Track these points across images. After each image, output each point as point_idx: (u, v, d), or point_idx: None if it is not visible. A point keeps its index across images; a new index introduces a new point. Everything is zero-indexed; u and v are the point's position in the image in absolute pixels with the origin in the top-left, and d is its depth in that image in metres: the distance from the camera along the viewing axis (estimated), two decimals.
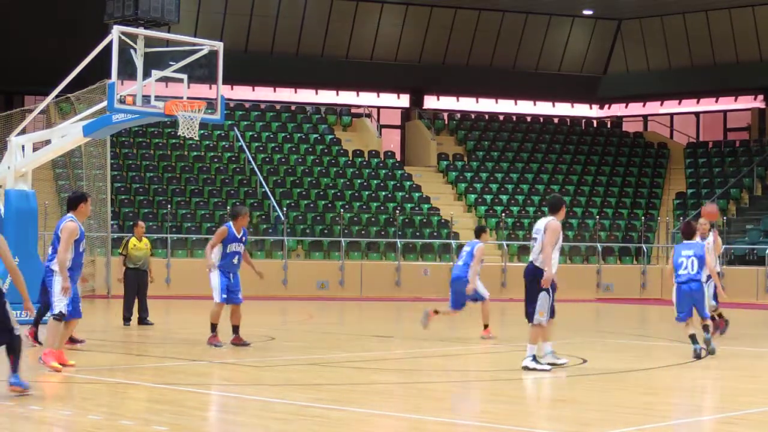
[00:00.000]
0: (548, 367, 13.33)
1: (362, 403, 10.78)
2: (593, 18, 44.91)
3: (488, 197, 39.16)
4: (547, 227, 13.36)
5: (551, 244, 13.35)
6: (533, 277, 13.51)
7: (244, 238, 16.57)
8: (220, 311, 16.18)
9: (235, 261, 16.38)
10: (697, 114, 47.14)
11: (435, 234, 35.99)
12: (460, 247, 35.09)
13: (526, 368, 13.25)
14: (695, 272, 15.30)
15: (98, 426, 9.19)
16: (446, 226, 36.35)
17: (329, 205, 36.33)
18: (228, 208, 33.79)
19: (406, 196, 38.27)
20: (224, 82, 19.08)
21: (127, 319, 19.96)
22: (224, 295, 16.10)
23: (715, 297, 17.58)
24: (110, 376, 12.74)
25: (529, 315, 13.54)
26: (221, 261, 16.16)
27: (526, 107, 46.76)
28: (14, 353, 10.67)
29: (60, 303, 12.79)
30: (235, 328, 16.30)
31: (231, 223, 16.34)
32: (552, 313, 13.69)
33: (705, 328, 15.36)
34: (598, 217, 38.55)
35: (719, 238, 18.12)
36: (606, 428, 9.47)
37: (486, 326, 18.13)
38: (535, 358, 13.33)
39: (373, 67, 43.13)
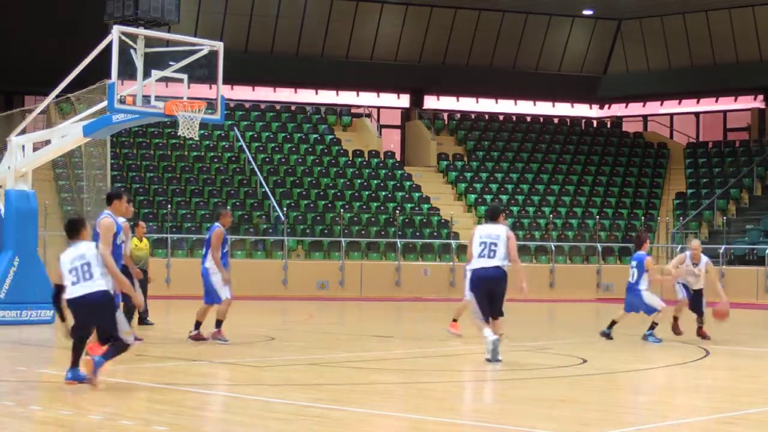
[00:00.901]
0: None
1: (362, 403, 10.78)
2: (593, 18, 44.92)
3: (488, 197, 39.16)
4: (509, 236, 14.12)
5: (516, 250, 14.25)
6: (503, 281, 14.11)
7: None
8: (227, 308, 16.44)
9: (228, 259, 16.76)
10: (697, 114, 47.14)
11: (435, 234, 35.99)
12: (459, 247, 35.16)
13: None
14: (634, 281, 17.51)
15: (98, 426, 9.19)
16: (446, 226, 36.36)
17: (329, 205, 36.33)
18: (228, 208, 33.81)
19: (406, 196, 38.27)
20: (224, 82, 19.08)
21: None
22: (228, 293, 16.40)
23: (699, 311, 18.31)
24: (110, 376, 12.73)
25: (499, 312, 14.16)
26: (222, 261, 16.38)
27: (526, 107, 46.76)
28: (110, 353, 11.26)
29: None
30: (198, 324, 16.66)
31: (219, 223, 16.43)
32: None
33: (652, 325, 17.50)
34: (598, 217, 38.55)
35: (713, 267, 18.63)
36: (606, 428, 9.47)
37: (455, 320, 18.10)
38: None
39: (373, 67, 43.14)
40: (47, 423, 9.42)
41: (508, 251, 14.01)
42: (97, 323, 11.43)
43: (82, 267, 11.35)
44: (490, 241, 14.02)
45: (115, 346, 11.35)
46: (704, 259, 18.29)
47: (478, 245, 14.08)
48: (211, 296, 16.38)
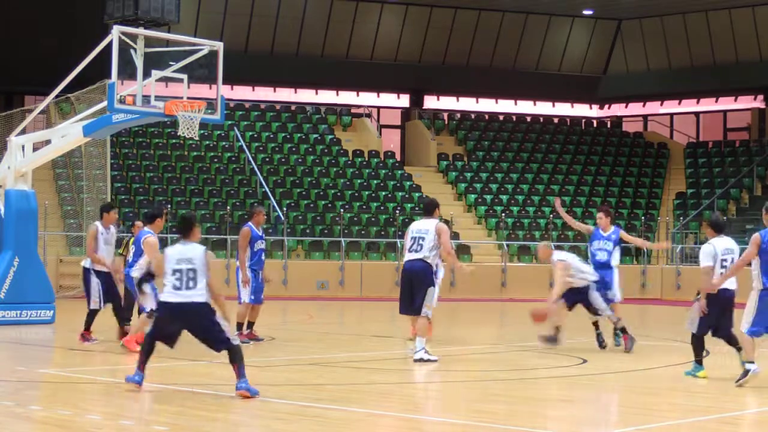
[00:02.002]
0: (436, 357, 13.96)
1: (362, 403, 10.78)
2: (593, 18, 44.91)
3: (488, 197, 39.14)
4: (439, 231, 14.50)
5: (449, 243, 14.55)
6: (423, 273, 14.37)
7: (263, 235, 17.03)
8: (246, 311, 16.67)
9: (263, 257, 16.85)
10: (697, 114, 47.14)
11: None
12: (459, 247, 35.13)
13: (420, 360, 13.84)
14: None
15: (98, 426, 9.19)
16: (446, 226, 36.25)
17: (329, 205, 36.32)
18: (228, 208, 33.88)
19: (406, 196, 38.26)
20: (224, 82, 19.09)
21: (127, 320, 19.94)
22: (252, 296, 16.56)
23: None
24: (110, 376, 12.74)
25: (417, 309, 14.15)
26: (251, 260, 16.62)
27: (526, 107, 46.74)
28: (236, 362, 10.92)
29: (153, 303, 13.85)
30: (251, 324, 16.86)
31: (250, 222, 16.61)
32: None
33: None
34: None
35: (560, 266, 16.63)
36: (606, 428, 9.47)
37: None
38: (426, 350, 13.94)
39: (373, 67, 43.13)
40: (47, 423, 9.42)
41: (440, 244, 14.32)
42: (196, 333, 11.04)
43: (187, 272, 10.91)
44: (419, 236, 14.51)
45: (235, 359, 10.88)
46: (554, 257, 16.85)
47: (409, 240, 14.57)
48: (239, 296, 16.62)
